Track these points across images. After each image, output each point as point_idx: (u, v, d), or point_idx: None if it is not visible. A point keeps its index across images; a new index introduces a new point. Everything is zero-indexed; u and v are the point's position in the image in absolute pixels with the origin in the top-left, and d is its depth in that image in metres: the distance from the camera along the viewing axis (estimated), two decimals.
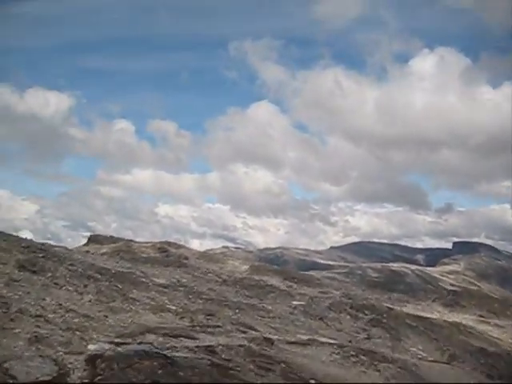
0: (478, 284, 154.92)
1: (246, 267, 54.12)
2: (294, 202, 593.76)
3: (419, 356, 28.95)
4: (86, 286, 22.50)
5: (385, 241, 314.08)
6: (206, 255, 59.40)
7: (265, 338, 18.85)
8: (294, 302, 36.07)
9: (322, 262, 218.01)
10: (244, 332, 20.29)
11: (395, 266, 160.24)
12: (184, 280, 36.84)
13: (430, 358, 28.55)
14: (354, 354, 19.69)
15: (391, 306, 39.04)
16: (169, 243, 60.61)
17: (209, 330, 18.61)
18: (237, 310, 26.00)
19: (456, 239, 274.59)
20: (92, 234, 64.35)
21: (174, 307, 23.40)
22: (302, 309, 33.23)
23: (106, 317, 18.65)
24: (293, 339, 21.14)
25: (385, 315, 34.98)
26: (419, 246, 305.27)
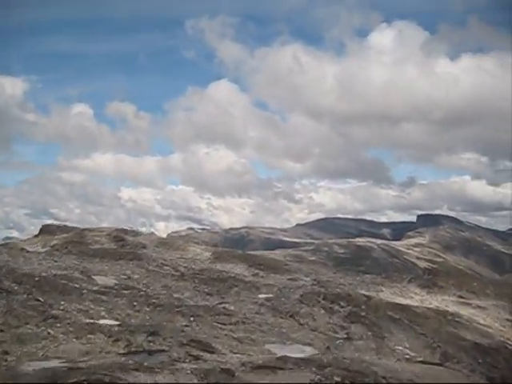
0: (444, 256, 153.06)
1: (208, 254, 49.19)
2: (257, 181, 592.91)
3: (407, 356, 24.47)
4: None
5: (350, 216, 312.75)
6: (165, 242, 54.23)
7: (222, 369, 13.88)
8: (261, 296, 31.33)
9: (287, 239, 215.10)
10: (196, 358, 15.26)
11: (361, 241, 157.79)
12: (135, 276, 31.84)
13: (419, 359, 24.12)
14: (338, 379, 14.88)
15: (368, 294, 34.49)
16: (125, 231, 55.54)
17: (147, 363, 13.54)
18: (191, 318, 20.98)
19: (419, 212, 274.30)
20: (44, 224, 59.05)
21: (110, 322, 18.26)
22: (270, 304, 28.47)
23: (6, 354, 13.45)
24: (260, 361, 16.22)
25: (363, 307, 30.45)
26: (384, 220, 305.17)
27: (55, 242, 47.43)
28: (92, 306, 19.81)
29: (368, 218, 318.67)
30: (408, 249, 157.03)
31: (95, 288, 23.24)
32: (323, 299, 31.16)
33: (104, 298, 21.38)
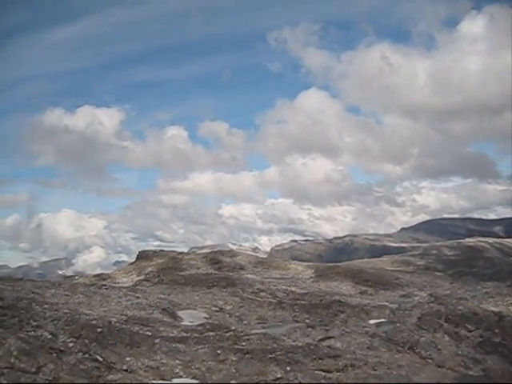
0: None
1: (310, 272, 44.98)
2: (356, 187, 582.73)
3: None
4: (38, 368, 13.33)
5: (456, 216, 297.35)
6: (264, 262, 50.45)
7: None
8: (372, 322, 26.56)
9: (393, 245, 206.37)
10: None
11: (471, 241, 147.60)
12: (228, 307, 27.98)
13: None
14: None
15: (497, 310, 28.63)
16: (222, 252, 52.51)
17: None
18: (288, 368, 16.60)
19: None
20: (140, 250, 56.76)
21: (184, 383, 14.21)
22: (384, 334, 23.57)
23: None
24: None
25: (496, 330, 25.05)
26: (493, 217, 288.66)
27: (150, 269, 44.79)
28: (164, 361, 15.83)
29: (476, 216, 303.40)
30: None
31: (173, 333, 19.26)
32: (445, 321, 26.07)
33: (181, 346, 17.36)
